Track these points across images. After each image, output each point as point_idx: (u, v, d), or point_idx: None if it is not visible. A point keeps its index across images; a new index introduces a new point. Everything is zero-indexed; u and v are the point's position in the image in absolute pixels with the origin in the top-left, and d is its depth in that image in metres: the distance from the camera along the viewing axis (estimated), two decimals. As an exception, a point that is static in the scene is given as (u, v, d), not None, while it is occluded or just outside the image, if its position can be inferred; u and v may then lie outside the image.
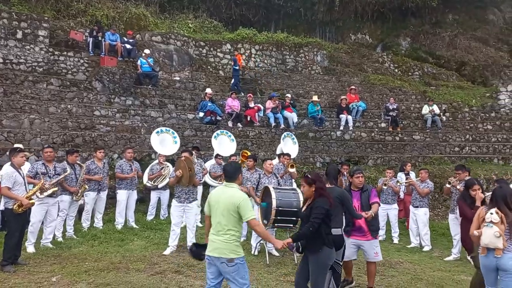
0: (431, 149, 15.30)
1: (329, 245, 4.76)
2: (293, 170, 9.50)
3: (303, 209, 4.94)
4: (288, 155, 10.11)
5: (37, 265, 6.59)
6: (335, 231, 5.25)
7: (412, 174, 10.61)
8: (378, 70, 21.00)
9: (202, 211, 10.30)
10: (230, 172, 4.62)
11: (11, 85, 12.28)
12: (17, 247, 6.61)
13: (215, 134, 11.46)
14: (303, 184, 4.92)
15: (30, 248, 7.24)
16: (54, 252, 7.24)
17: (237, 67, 16.40)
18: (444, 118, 16.69)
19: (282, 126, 14.72)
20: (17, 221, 6.57)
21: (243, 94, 15.77)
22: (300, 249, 4.77)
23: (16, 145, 8.20)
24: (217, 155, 10.60)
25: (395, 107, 16.20)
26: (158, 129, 10.64)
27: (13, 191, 6.53)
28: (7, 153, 8.46)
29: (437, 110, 16.38)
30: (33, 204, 6.79)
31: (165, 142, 10.44)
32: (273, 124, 14.66)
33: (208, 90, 14.43)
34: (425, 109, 16.50)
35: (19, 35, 13.26)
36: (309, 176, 4.90)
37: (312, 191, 4.82)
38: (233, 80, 16.38)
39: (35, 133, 10.84)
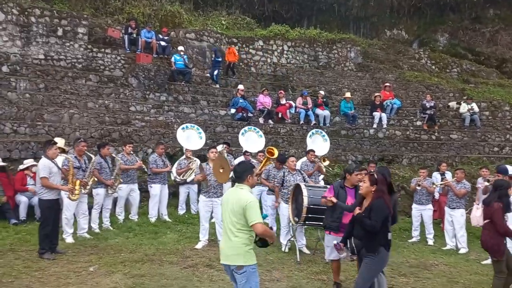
0: (469, 149, 14.83)
1: (387, 247, 4.70)
2: (325, 163, 9.41)
3: (362, 209, 4.83)
4: (312, 150, 10.03)
5: (75, 254, 6.83)
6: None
7: (448, 174, 10.33)
8: (414, 67, 20.49)
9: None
10: (238, 172, 4.33)
11: (52, 81, 12.73)
12: (53, 235, 6.86)
13: (242, 130, 11.35)
14: (364, 180, 4.83)
15: (69, 239, 7.52)
16: (91, 243, 7.49)
17: (219, 59, 15.51)
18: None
19: (314, 123, 14.64)
20: (50, 211, 6.83)
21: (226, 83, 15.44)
22: (355, 250, 4.72)
23: (56, 139, 8.49)
24: (246, 151, 10.65)
25: (432, 104, 15.77)
26: (184, 126, 10.74)
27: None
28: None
29: (476, 109, 15.85)
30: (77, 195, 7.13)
31: (191, 138, 10.55)
32: (302, 121, 14.59)
33: (240, 87, 14.51)
34: (464, 108, 16.00)
35: (60, 32, 13.71)
36: (374, 175, 4.85)
37: (371, 191, 4.76)
38: (213, 70, 15.48)
39: (74, 127, 11.22)
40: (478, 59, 22.35)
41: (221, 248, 4.31)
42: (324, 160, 9.43)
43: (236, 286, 4.21)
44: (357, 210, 5.02)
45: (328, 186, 7.31)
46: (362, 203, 4.93)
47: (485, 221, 5.68)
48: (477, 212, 5.75)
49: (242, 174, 4.29)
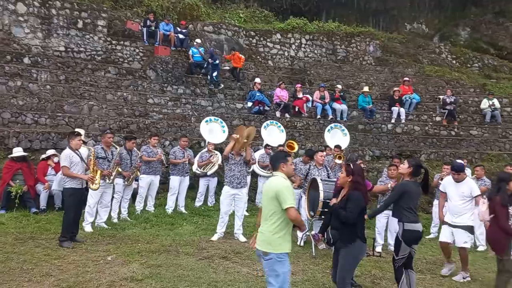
0: (489, 145, 14.56)
1: (362, 238, 4.69)
2: (340, 161, 9.39)
3: (338, 200, 4.85)
4: (339, 146, 10.04)
5: (94, 244, 6.95)
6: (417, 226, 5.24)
7: (468, 171, 10.14)
8: (435, 61, 20.15)
9: (248, 200, 10.50)
10: (271, 160, 4.58)
11: (72, 73, 12.91)
12: (74, 224, 6.99)
13: (264, 124, 11.54)
14: (342, 171, 4.86)
15: (88, 228, 7.65)
16: (109, 233, 7.61)
17: (216, 62, 14.52)
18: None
19: (331, 117, 14.55)
20: (73, 200, 6.95)
21: (219, 87, 14.58)
22: (332, 241, 4.72)
23: (77, 130, 8.63)
24: (266, 145, 10.69)
25: (452, 100, 15.52)
26: (207, 118, 10.87)
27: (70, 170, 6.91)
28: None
29: (497, 104, 15.53)
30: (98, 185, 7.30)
31: (214, 131, 10.67)
32: (319, 115, 14.52)
33: (257, 80, 14.49)
34: (484, 103, 15.70)
35: (80, 24, 13.88)
36: (351, 165, 4.84)
37: (347, 181, 4.75)
38: (212, 73, 14.55)
39: (93, 118, 11.38)
40: (500, 53, 21.85)
41: (258, 233, 4.40)
42: (339, 158, 9.38)
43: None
44: (334, 201, 5.05)
45: None
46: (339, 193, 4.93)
47: (491, 216, 5.58)
48: (483, 207, 5.67)
49: (275, 162, 4.43)
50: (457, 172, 6.49)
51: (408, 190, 5.24)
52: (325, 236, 4.80)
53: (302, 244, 7.79)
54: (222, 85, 14.78)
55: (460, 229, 6.49)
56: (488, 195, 5.93)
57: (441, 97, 16.00)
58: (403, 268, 5.29)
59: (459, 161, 7.50)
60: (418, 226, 5.30)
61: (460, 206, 6.49)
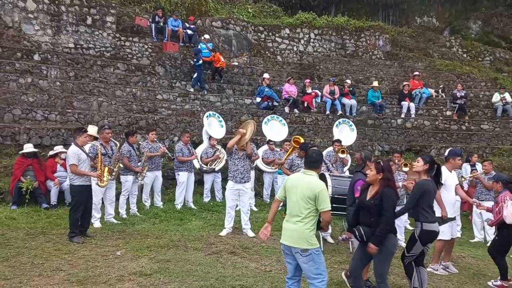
0: (500, 140, 14.39)
1: (394, 232, 4.69)
2: (343, 155, 9.34)
3: (368, 197, 4.79)
4: (339, 141, 9.95)
5: (103, 239, 7.02)
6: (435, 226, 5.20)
7: (479, 166, 10.04)
8: (445, 55, 19.93)
9: (256, 195, 10.50)
10: (313, 159, 4.47)
11: (81, 69, 12.99)
12: (83, 220, 7.04)
13: (265, 120, 11.28)
14: (371, 168, 4.79)
15: (96, 224, 7.72)
16: (118, 228, 7.67)
17: (199, 62, 13.88)
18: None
19: (340, 112, 14.48)
20: (81, 196, 7.00)
21: (205, 92, 14.01)
22: (365, 238, 4.69)
23: (90, 126, 8.69)
24: (269, 140, 10.63)
25: (463, 94, 15.35)
26: (207, 113, 10.76)
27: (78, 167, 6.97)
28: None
29: (509, 98, 15.32)
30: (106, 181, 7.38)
31: (212, 125, 10.56)
32: (328, 110, 14.46)
33: (266, 75, 14.46)
34: (496, 97, 15.50)
35: (89, 21, 13.94)
36: (380, 163, 4.80)
37: (377, 178, 4.71)
38: (195, 75, 14.02)
39: (102, 115, 11.45)
40: (512, 47, 21.54)
41: (285, 229, 4.42)
42: (342, 152, 9.33)
43: (296, 266, 4.39)
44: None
45: (352, 176, 7.24)
46: (368, 190, 4.87)
47: None
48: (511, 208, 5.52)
49: (316, 162, 4.48)
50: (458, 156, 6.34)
51: (427, 189, 5.14)
52: (357, 233, 4.76)
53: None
54: (203, 89, 14.11)
55: (451, 221, 6.35)
56: None
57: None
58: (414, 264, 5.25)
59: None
60: (435, 226, 5.25)
61: (455, 197, 6.37)
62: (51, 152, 9.38)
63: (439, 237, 6.04)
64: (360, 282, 4.81)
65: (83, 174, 6.97)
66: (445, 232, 6.26)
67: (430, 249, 5.76)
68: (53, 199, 8.90)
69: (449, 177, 6.35)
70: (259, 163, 10.31)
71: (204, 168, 10.08)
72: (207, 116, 10.58)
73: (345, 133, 11.50)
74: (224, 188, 8.94)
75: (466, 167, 9.90)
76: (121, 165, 8.18)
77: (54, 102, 11.42)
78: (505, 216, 5.59)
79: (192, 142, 10.72)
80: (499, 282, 6.13)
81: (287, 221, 4.41)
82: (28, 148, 9.02)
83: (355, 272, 4.84)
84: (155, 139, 9.49)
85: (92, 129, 8.38)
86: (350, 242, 7.20)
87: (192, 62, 14.47)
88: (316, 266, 4.26)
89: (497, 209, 6.10)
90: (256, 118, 13.40)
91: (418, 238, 5.14)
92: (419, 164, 5.33)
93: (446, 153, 6.91)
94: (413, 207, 5.22)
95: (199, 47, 14.86)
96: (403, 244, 7.80)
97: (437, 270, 6.47)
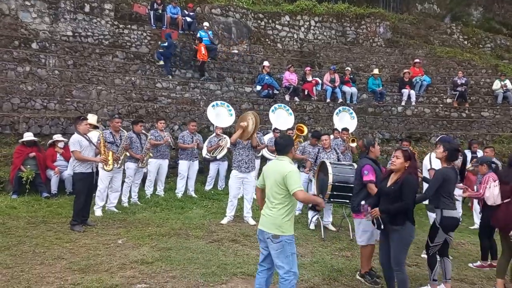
0: (500, 127, 14.35)
1: (412, 221, 4.67)
2: (354, 144, 9.33)
3: (389, 183, 4.76)
4: (346, 129, 9.97)
5: (104, 227, 7.02)
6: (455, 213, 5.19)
7: (480, 153, 10.05)
8: (446, 42, 19.81)
9: (258, 183, 10.51)
10: (280, 145, 4.46)
11: (80, 58, 12.91)
12: (85, 208, 7.04)
13: (272, 108, 11.47)
14: (398, 156, 4.73)
15: (98, 212, 7.72)
16: (120, 217, 7.67)
17: (165, 44, 13.51)
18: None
19: (340, 100, 14.43)
20: (83, 184, 6.97)
21: (177, 74, 13.75)
22: (382, 226, 4.68)
23: (90, 115, 8.65)
24: (275, 129, 10.62)
25: (463, 81, 15.28)
26: (214, 103, 10.81)
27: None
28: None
29: (509, 85, 15.26)
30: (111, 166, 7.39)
31: (220, 115, 10.61)
32: (329, 98, 14.40)
33: (266, 63, 14.37)
34: (496, 84, 15.42)
35: (87, 8, 13.81)
36: (408, 151, 4.77)
37: (404, 167, 4.67)
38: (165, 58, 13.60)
39: (102, 103, 11.39)
40: (513, 33, 21.43)
41: (261, 214, 4.41)
42: (353, 141, 9.34)
43: (267, 254, 4.31)
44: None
45: (354, 165, 7.23)
46: (389, 177, 4.83)
47: (505, 201, 5.44)
48: (495, 190, 5.53)
49: (285, 147, 4.42)
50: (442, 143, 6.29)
51: (448, 178, 5.09)
52: (374, 221, 4.74)
53: (312, 227, 7.79)
54: (170, 75, 13.71)
55: None
56: (503, 178, 5.70)
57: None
58: (438, 255, 5.25)
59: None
60: (456, 213, 5.22)
61: None
62: (50, 141, 9.36)
63: None
64: (391, 272, 4.79)
65: (87, 160, 6.94)
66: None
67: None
68: (54, 188, 8.90)
69: (436, 164, 6.35)
70: (264, 151, 10.30)
71: (207, 157, 10.08)
72: (213, 106, 10.58)
73: (346, 120, 11.48)
74: (227, 178, 8.93)
75: (467, 154, 9.88)
76: (127, 154, 8.18)
77: (53, 90, 11.35)
78: (487, 198, 5.62)
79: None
80: (478, 263, 6.34)
81: (265, 207, 4.41)
82: (28, 136, 8.99)
83: (386, 264, 4.82)
84: (163, 128, 9.46)
85: (92, 118, 8.34)
86: (322, 228, 7.27)
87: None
88: (286, 255, 4.15)
89: (481, 190, 6.17)
90: (257, 107, 13.38)
91: (440, 226, 5.11)
92: (439, 150, 5.30)
93: (436, 140, 6.91)
94: (432, 195, 5.19)
95: (198, 35, 14.76)
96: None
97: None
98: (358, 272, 5.57)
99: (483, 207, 6.32)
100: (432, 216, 6.28)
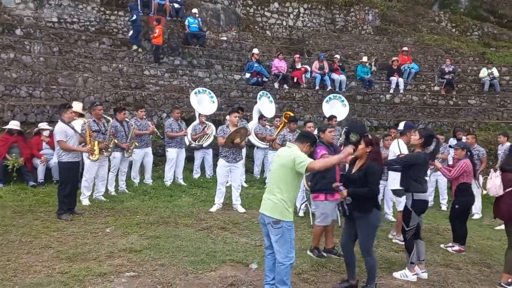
0: (487, 114, 14.53)
1: (378, 206, 4.75)
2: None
3: (354, 170, 4.81)
4: (334, 117, 9.92)
5: (92, 216, 6.98)
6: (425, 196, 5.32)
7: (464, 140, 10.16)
8: (434, 30, 19.89)
9: (247, 171, 10.50)
10: (301, 134, 4.77)
11: (65, 44, 12.67)
12: (71, 197, 6.98)
13: (258, 95, 11.20)
14: (361, 143, 4.76)
15: (85, 201, 7.65)
16: (107, 205, 7.62)
17: (133, 18, 13.22)
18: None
19: (330, 88, 14.44)
20: (69, 173, 6.91)
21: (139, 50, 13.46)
22: (347, 212, 4.73)
23: (75, 102, 8.51)
24: (262, 116, 10.57)
25: (451, 69, 15.39)
26: (196, 90, 10.65)
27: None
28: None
29: (496, 73, 15.41)
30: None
31: (203, 102, 10.46)
32: (318, 86, 14.40)
33: (255, 51, 14.27)
34: (483, 72, 15.56)
35: (72, -6, 13.53)
36: (369, 136, 4.81)
37: (366, 152, 4.72)
38: (131, 32, 13.56)
39: (88, 91, 11.23)
40: (500, 21, 21.60)
41: (263, 198, 4.47)
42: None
43: (267, 239, 4.43)
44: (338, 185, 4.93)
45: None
46: (354, 163, 4.87)
47: (507, 190, 5.35)
48: (497, 180, 5.55)
49: (302, 137, 4.60)
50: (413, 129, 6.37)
51: (419, 162, 5.23)
52: (340, 208, 4.80)
53: (301, 214, 7.85)
54: (139, 48, 13.55)
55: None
56: (503, 167, 5.61)
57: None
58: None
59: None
60: (426, 196, 5.36)
61: None
62: (35, 130, 9.22)
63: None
64: (352, 257, 4.86)
65: (73, 149, 6.88)
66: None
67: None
68: (40, 176, 8.79)
69: (404, 150, 6.52)
70: (251, 138, 10.24)
71: (192, 145, 10.01)
72: (195, 93, 10.45)
73: (337, 108, 11.43)
74: (215, 165, 8.91)
75: (453, 141, 9.98)
76: (115, 141, 8.09)
77: (38, 78, 11.16)
78: (489, 189, 5.67)
79: (181, 118, 10.60)
80: (457, 247, 6.46)
81: (266, 192, 4.47)
82: (14, 125, 8.84)
83: (346, 248, 4.89)
84: (144, 117, 9.38)
85: (77, 106, 8.22)
86: (311, 216, 7.37)
87: (181, 35, 14.16)
88: (286, 240, 4.26)
89: (453, 172, 6.42)
90: (246, 94, 13.33)
91: (412, 209, 5.20)
92: (415, 137, 5.39)
93: (401, 127, 7.02)
94: (403, 178, 5.32)
95: (186, 22, 14.58)
96: (391, 217, 7.94)
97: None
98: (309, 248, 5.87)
99: (457, 194, 6.52)
100: (398, 200, 6.42)
